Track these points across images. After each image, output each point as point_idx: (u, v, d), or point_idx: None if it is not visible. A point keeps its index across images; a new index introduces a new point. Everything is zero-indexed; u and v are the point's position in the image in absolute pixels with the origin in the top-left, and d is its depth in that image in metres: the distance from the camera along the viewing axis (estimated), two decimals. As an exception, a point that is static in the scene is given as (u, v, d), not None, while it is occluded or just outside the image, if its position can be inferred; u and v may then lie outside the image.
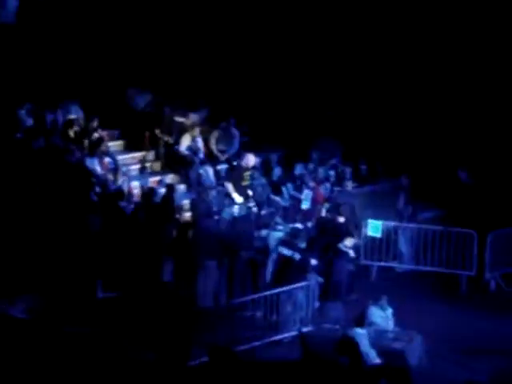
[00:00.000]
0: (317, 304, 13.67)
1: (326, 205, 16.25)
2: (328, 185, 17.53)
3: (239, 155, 17.68)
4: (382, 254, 16.61)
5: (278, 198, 17.26)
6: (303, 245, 14.24)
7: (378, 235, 16.24)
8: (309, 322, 13.44)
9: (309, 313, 13.51)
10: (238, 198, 16.40)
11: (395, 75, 21.32)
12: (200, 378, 11.44)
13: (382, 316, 12.82)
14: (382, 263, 16.62)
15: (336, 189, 17.69)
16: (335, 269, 14.77)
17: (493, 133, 21.10)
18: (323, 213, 16.12)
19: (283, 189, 17.69)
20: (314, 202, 16.81)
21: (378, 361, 11.94)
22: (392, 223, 16.80)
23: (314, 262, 15.05)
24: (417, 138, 21.58)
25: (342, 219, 15.58)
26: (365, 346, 11.84)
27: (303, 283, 13.54)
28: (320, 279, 14.58)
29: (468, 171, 20.17)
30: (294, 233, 14.57)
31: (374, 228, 16.19)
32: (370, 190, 19.27)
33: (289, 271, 13.65)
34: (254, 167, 17.17)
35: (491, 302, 15.58)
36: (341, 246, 14.56)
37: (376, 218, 16.84)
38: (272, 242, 13.98)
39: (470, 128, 21.39)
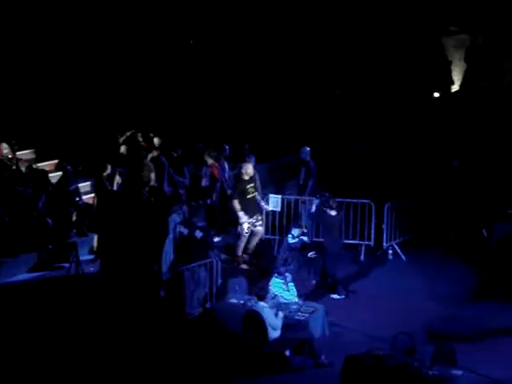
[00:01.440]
0: (220, 281, 13.76)
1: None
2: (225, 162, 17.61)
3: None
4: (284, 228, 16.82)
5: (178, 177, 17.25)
6: (202, 223, 14.28)
7: (278, 209, 16.44)
8: (213, 299, 13.54)
9: (213, 289, 13.60)
10: (244, 218, 15.45)
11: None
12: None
13: (284, 288, 12.99)
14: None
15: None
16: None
17: (384, 104, 21.61)
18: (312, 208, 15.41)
19: (184, 168, 17.66)
20: (213, 178, 16.90)
21: (281, 332, 12.12)
22: (293, 197, 17.03)
23: (216, 239, 15.13)
24: (316, 111, 21.95)
25: (333, 212, 14.76)
26: (269, 318, 12.01)
27: (206, 261, 13.63)
28: (223, 256, 14.67)
29: (365, 142, 20.65)
30: (193, 211, 14.57)
31: (273, 202, 16.38)
32: (271, 165, 19.50)
33: (190, 250, 13.67)
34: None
35: (390, 270, 16.02)
36: (289, 237, 14.66)
37: (277, 192, 17.10)
38: (171, 222, 13.94)
39: (365, 100, 21.83)
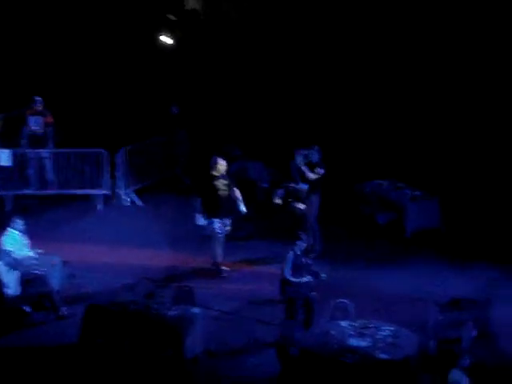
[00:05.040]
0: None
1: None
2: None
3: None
4: (17, 183, 16.39)
5: None
6: None
7: (9, 164, 15.98)
8: None
9: None
10: (199, 220, 13.60)
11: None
12: None
13: (17, 242, 12.63)
14: (18, 192, 16.41)
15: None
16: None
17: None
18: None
19: None
20: None
21: (19, 288, 11.91)
22: (23, 150, 16.61)
23: None
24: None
25: (302, 206, 13.95)
26: (2, 275, 11.74)
27: None
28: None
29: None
30: None
31: (4, 158, 15.90)
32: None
33: None
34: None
35: (127, 218, 16.10)
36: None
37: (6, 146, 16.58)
38: None
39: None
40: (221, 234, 13.65)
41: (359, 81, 19.43)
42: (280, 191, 14.30)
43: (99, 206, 16.45)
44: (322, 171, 14.20)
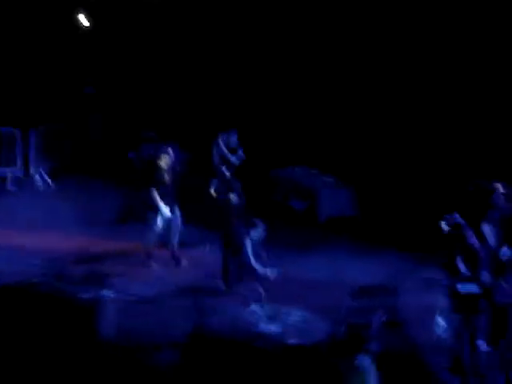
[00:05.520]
0: None
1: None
2: None
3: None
4: None
5: None
6: None
7: None
8: None
9: None
10: (165, 210, 12.95)
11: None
12: None
13: None
14: None
15: None
16: None
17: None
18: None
19: None
20: None
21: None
22: None
23: None
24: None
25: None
26: None
27: None
28: None
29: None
30: None
31: None
32: None
33: None
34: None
35: (39, 198, 15.87)
36: None
37: None
38: None
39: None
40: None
41: (275, 63, 19.40)
42: (215, 183, 13.93)
43: (11, 187, 16.18)
44: (242, 155, 14.11)
